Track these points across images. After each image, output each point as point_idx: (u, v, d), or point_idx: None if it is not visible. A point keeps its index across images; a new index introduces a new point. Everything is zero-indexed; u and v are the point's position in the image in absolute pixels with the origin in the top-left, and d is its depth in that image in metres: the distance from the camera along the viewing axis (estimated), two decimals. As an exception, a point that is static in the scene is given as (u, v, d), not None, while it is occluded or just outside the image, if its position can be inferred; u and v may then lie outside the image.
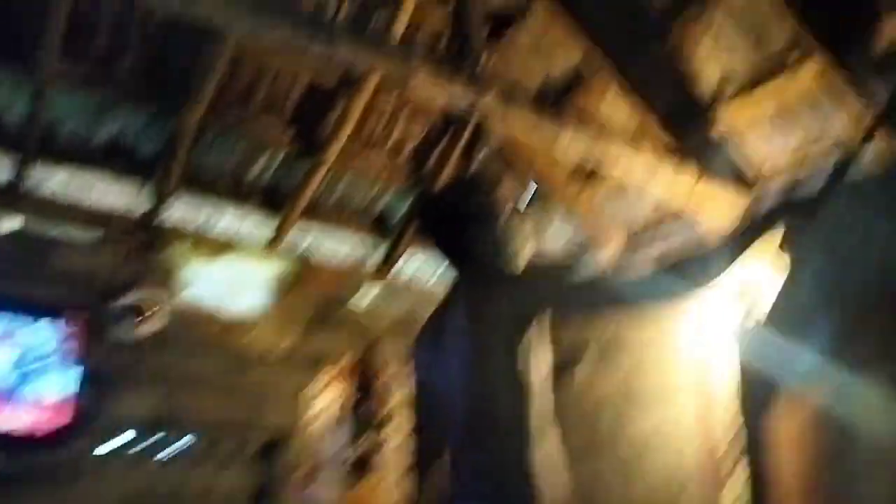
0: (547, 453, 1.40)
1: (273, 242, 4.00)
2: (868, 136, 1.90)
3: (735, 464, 2.75)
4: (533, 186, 4.16)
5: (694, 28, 3.10)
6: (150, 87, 3.45)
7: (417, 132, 4.04)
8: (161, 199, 3.70)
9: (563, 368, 4.14)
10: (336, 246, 4.35)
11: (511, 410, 1.38)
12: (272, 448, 3.75)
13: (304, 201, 3.91)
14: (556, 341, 1.47)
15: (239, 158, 3.87)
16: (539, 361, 1.44)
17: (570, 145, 2.95)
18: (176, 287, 3.76)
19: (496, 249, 1.59)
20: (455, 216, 1.62)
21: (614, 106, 3.49)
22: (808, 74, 2.92)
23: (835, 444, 2.29)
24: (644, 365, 3.73)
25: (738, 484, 2.72)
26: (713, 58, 3.15)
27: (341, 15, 3.36)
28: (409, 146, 4.09)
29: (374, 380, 3.95)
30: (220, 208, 3.90)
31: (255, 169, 3.93)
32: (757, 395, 2.08)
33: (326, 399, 3.94)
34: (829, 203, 2.04)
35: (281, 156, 3.89)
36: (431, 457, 1.59)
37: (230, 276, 3.96)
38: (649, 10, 3.18)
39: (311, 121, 3.80)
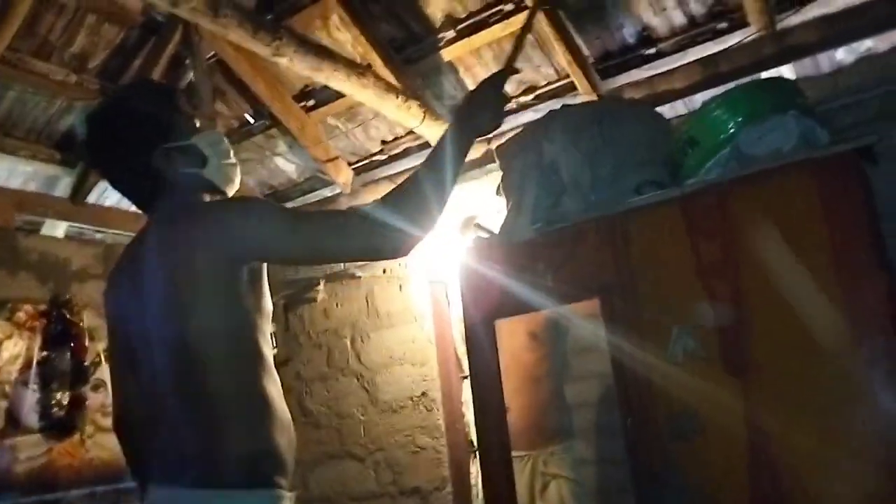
0: (275, 383, 1.31)
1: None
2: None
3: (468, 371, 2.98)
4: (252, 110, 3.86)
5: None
6: None
7: (109, 40, 3.45)
8: None
9: (295, 301, 4.06)
10: (9, 172, 3.63)
11: (227, 348, 1.24)
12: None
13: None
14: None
15: None
16: (255, 295, 1.29)
17: (291, 66, 2.75)
18: None
19: (196, 172, 1.38)
20: (138, 131, 1.35)
21: (338, 34, 3.33)
22: (522, 24, 3.07)
23: (550, 346, 2.60)
24: (381, 291, 3.81)
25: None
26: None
27: None
28: (99, 56, 3.49)
29: (72, 327, 3.45)
30: None
31: None
32: (480, 314, 2.22)
33: (11, 351, 3.34)
34: (540, 136, 2.21)
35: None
36: (138, 411, 1.39)
37: None
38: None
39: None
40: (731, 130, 1.89)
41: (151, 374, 1.28)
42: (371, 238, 1.23)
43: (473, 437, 3.43)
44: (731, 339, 1.72)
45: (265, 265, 1.33)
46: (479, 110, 1.38)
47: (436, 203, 1.27)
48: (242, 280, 1.26)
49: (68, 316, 3.45)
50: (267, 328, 1.32)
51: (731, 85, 2.80)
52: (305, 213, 1.39)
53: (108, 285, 1.46)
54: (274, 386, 1.30)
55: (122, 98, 1.52)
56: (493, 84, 1.43)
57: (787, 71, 2.84)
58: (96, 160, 1.44)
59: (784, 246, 1.68)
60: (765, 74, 2.81)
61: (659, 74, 3.00)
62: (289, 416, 1.31)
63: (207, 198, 1.42)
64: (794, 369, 1.63)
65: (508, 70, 1.55)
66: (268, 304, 1.33)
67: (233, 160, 1.46)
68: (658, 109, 2.75)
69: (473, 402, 2.32)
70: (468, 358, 2.37)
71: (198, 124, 1.45)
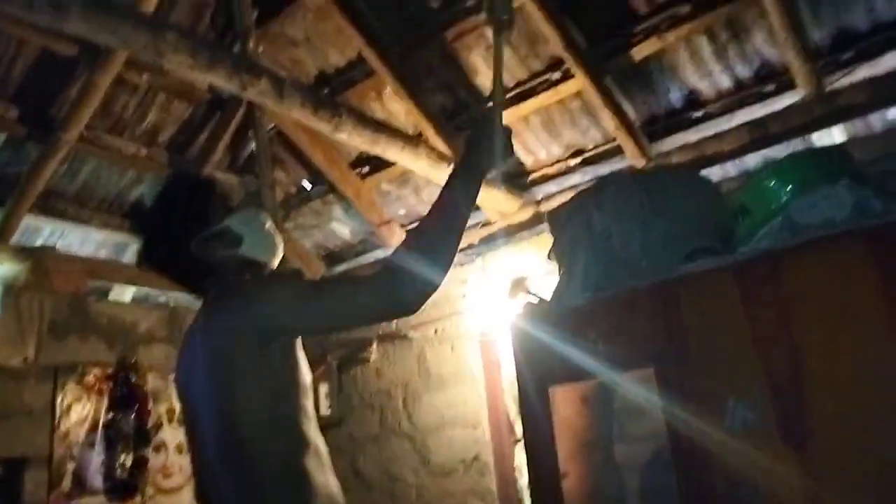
0: (318, 456, 1.33)
1: (-1, 236, 3.40)
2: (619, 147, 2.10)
3: (521, 434, 2.95)
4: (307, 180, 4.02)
5: (466, 37, 3.17)
6: None
7: (178, 116, 3.68)
8: None
9: (349, 361, 4.13)
10: (82, 240, 3.84)
11: (263, 425, 1.29)
12: (18, 471, 3.25)
13: (36, 189, 3.37)
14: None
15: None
16: (288, 371, 1.34)
17: (348, 139, 2.88)
18: None
19: (232, 253, 1.44)
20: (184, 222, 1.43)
21: (392, 104, 3.47)
22: (570, 91, 3.17)
23: (600, 409, 2.57)
24: (433, 352, 3.84)
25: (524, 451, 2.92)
26: (486, 67, 3.24)
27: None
28: (169, 131, 3.71)
29: (136, 389, 3.58)
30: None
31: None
32: (533, 380, 2.22)
33: (80, 413, 3.48)
34: (590, 204, 2.24)
35: (3, 137, 3.32)
36: (204, 479, 1.43)
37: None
38: (425, 12, 3.19)
39: (43, 98, 3.27)
40: (783, 199, 1.89)
41: (205, 447, 1.37)
42: (391, 296, 1.26)
43: (526, 503, 3.39)
44: (788, 411, 1.68)
45: (298, 339, 1.38)
46: (477, 151, 1.40)
47: (444, 253, 1.29)
48: (275, 358, 1.31)
49: (133, 379, 3.59)
50: (306, 401, 1.36)
51: (780, 147, 2.81)
52: (329, 283, 1.45)
53: (177, 360, 1.55)
54: (315, 459, 1.32)
55: (160, 201, 1.59)
56: (488, 121, 1.44)
57: (837, 131, 2.82)
58: (150, 261, 1.51)
59: (840, 316, 1.66)
60: (815, 135, 2.81)
61: (707, 137, 3.03)
62: (333, 488, 1.33)
63: (248, 275, 1.47)
64: (855, 442, 1.59)
65: (497, 105, 1.52)
66: (304, 377, 1.37)
67: (268, 231, 1.51)
68: (708, 171, 2.77)
69: (528, 470, 2.30)
70: (522, 425, 2.36)
71: (236, 203, 1.51)
